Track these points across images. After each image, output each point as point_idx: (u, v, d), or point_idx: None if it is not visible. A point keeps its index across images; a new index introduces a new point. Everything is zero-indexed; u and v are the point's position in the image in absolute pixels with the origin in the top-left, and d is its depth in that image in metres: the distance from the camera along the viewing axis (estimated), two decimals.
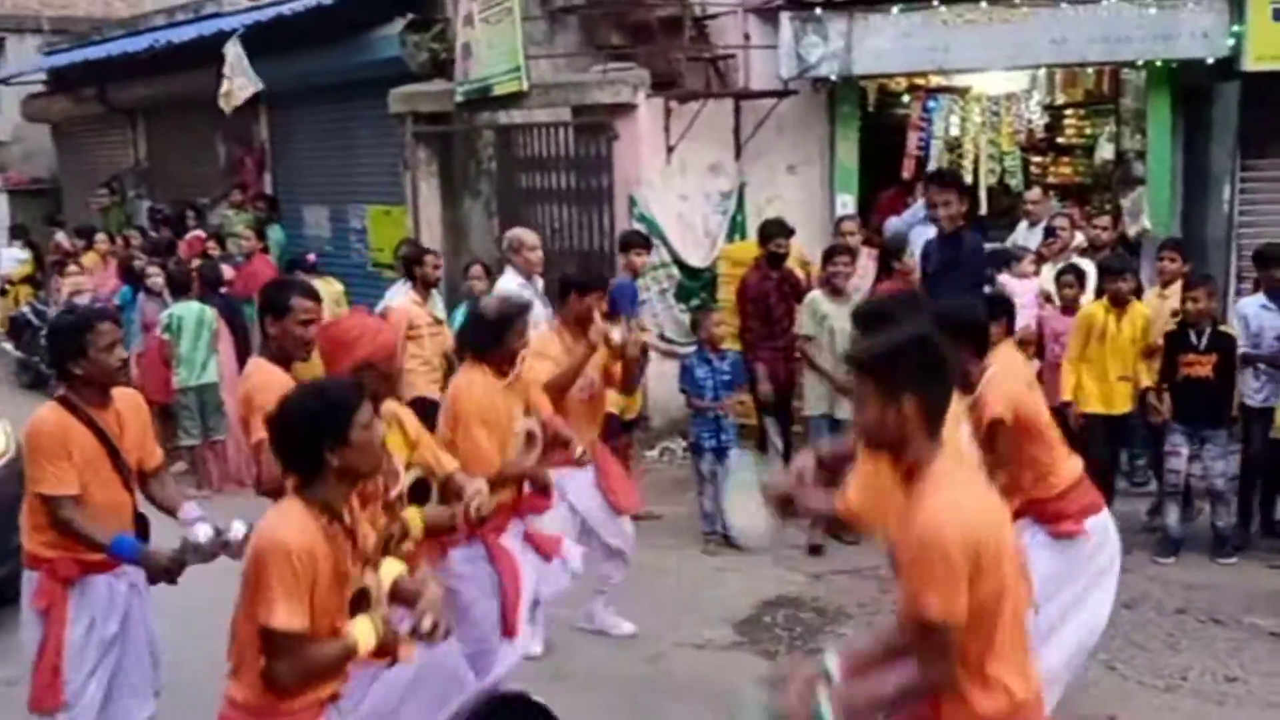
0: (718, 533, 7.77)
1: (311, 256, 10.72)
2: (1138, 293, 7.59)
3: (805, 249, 8.96)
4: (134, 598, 4.51)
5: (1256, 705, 5.40)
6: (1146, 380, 7.30)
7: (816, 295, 7.76)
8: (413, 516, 4.15)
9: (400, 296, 8.29)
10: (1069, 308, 7.76)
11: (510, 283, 7.75)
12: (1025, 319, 7.97)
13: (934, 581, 2.71)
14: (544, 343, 6.01)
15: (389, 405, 4.30)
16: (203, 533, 4.12)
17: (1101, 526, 4.66)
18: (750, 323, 8.29)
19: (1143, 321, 7.35)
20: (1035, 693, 2.93)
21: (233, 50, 11.88)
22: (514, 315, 5.11)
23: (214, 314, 9.55)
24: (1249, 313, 7.40)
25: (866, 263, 8.68)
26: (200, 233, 12.83)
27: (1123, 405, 7.36)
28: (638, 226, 9.68)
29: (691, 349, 8.00)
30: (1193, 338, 7.18)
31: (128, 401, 4.60)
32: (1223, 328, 7.27)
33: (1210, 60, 8.92)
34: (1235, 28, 8.78)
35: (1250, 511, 7.48)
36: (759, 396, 8.35)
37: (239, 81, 12.03)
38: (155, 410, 10.03)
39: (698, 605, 6.80)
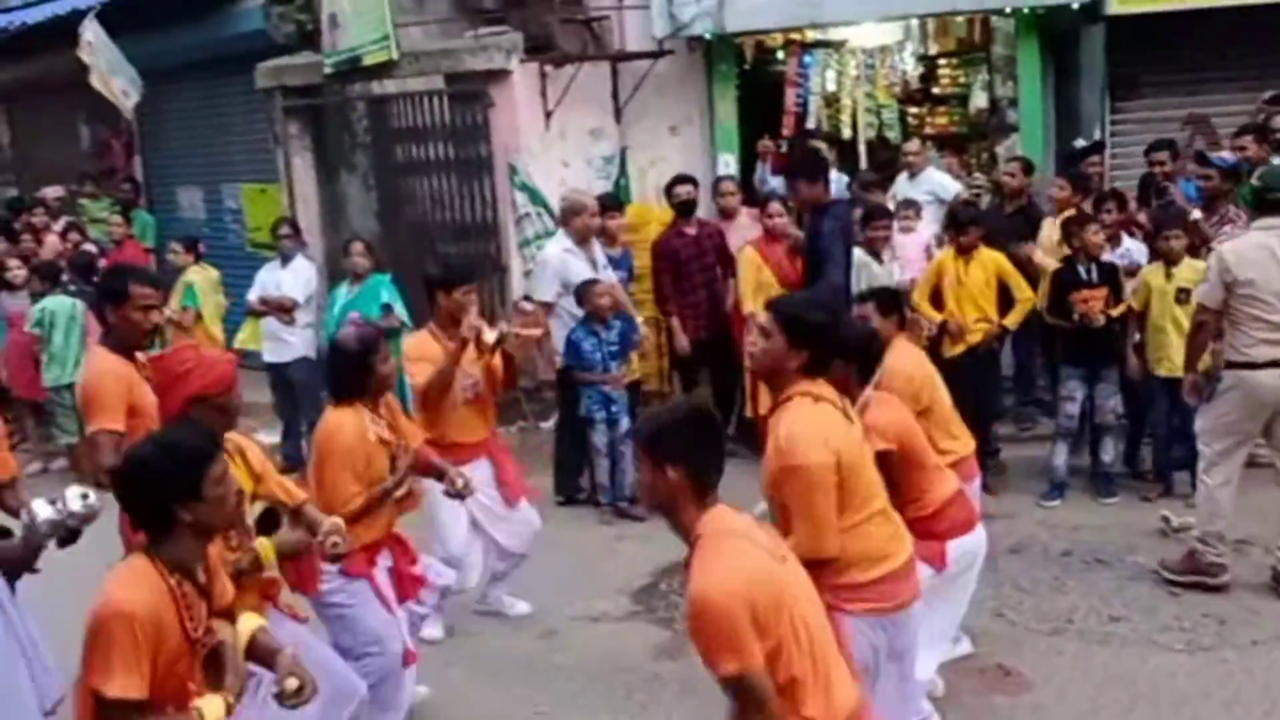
0: (612, 504, 7.74)
1: (202, 247, 10.38)
2: (988, 240, 7.68)
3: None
4: None
5: (1139, 643, 5.52)
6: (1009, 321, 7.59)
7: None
8: (263, 546, 3.97)
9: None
10: None
11: (556, 246, 7.67)
12: (913, 272, 8.05)
13: (721, 642, 2.86)
14: (421, 345, 5.89)
15: (231, 437, 4.14)
16: (40, 509, 3.86)
17: (966, 549, 4.71)
18: (663, 278, 8.39)
19: (993, 265, 7.53)
20: (840, 713, 3.05)
21: (90, 29, 11.47)
22: (376, 341, 4.90)
23: (84, 308, 9.23)
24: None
25: (748, 223, 8.68)
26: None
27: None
28: (519, 195, 9.57)
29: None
30: (1082, 272, 7.28)
31: None
32: (1106, 258, 7.38)
33: (1076, 5, 8.99)
34: None
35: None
36: (675, 351, 8.45)
37: (120, 83, 11.72)
38: (28, 407, 9.83)
39: (593, 577, 6.76)
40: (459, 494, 5.35)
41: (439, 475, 5.31)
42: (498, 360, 6.03)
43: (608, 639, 6.01)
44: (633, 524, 7.54)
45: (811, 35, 10.60)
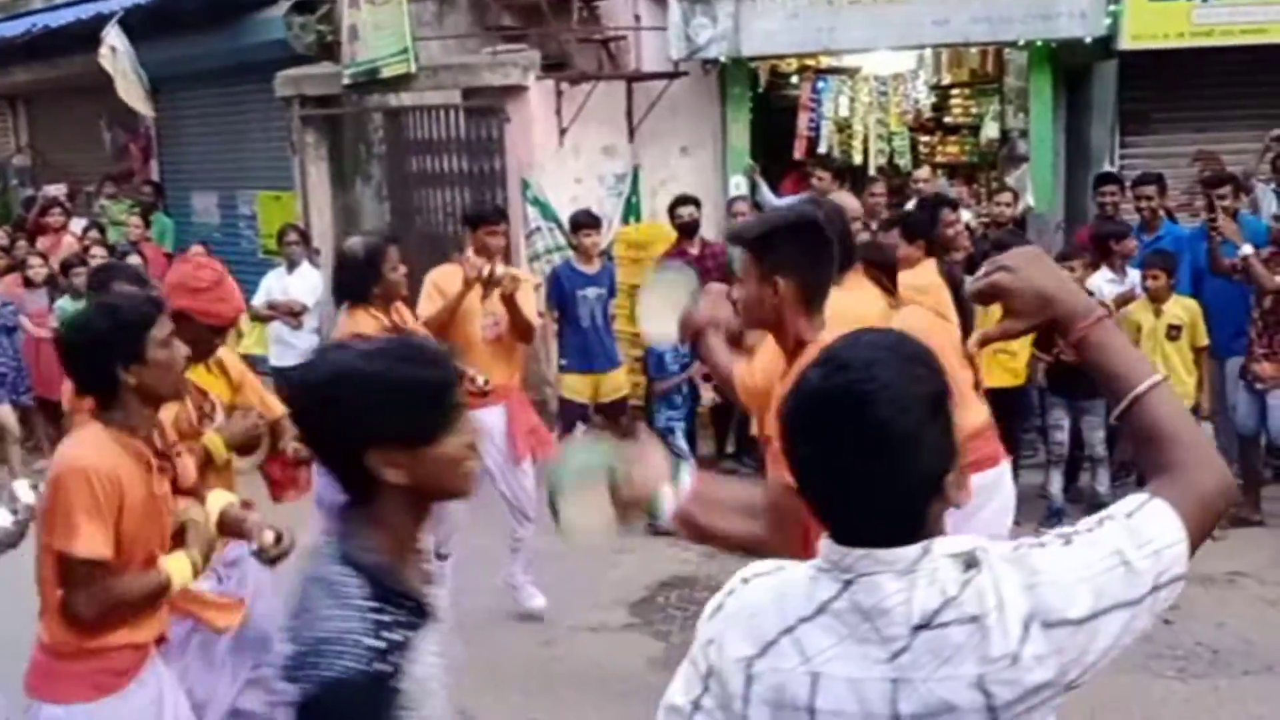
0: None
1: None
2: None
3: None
4: None
5: (1133, 669, 5.49)
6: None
7: None
8: (210, 440, 3.93)
9: None
10: None
11: None
12: None
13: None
14: (444, 277, 5.89)
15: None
16: None
17: (989, 483, 4.62)
18: None
19: None
20: None
21: (113, 34, 11.61)
22: (383, 246, 4.96)
23: None
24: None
25: None
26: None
27: (1000, 380, 7.30)
28: (531, 210, 9.66)
29: None
30: None
31: None
32: (1121, 288, 7.43)
33: (1089, 40, 9.10)
34: (1112, 7, 8.96)
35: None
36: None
37: (131, 89, 11.88)
38: (39, 404, 9.88)
39: (593, 588, 6.80)
40: (480, 392, 5.40)
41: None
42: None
43: (605, 649, 6.06)
44: (633, 537, 7.57)
45: (826, 61, 10.72)
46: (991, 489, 4.67)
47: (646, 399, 8.63)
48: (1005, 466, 4.80)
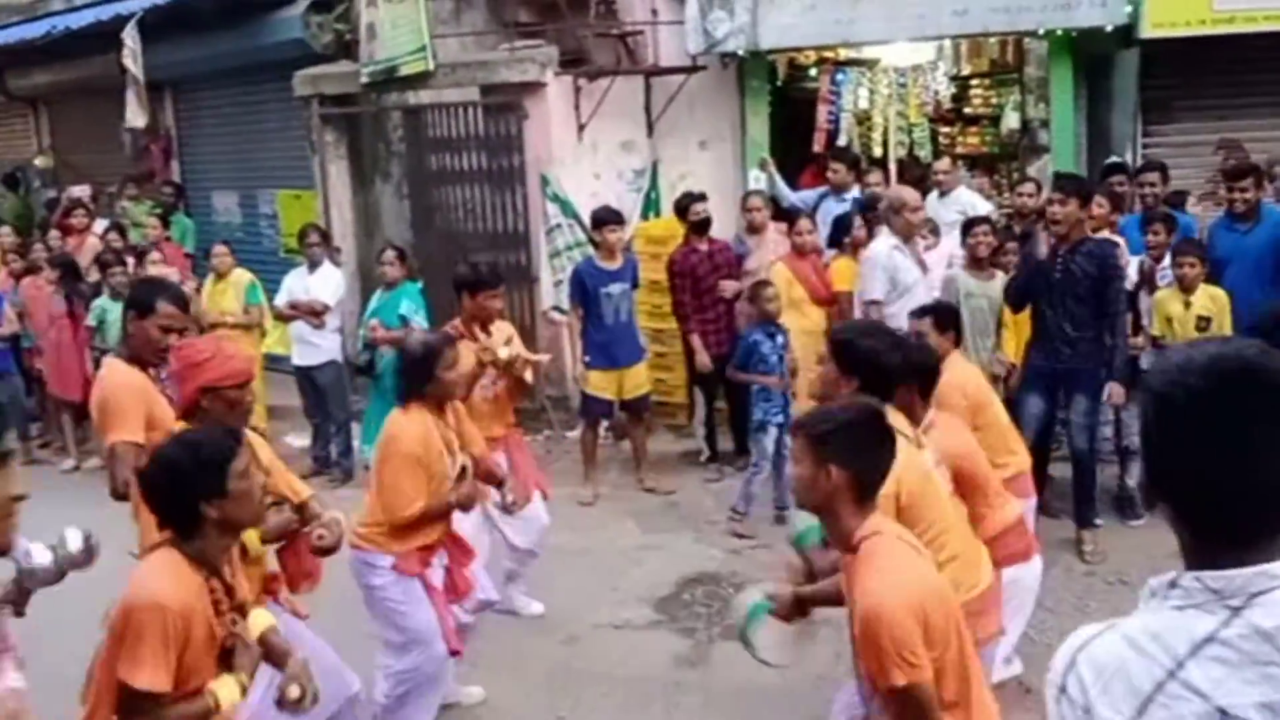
0: (742, 514, 7.45)
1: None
2: None
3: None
4: None
5: None
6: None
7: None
8: (248, 535, 3.91)
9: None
10: None
11: (884, 244, 7.24)
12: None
13: (891, 655, 2.85)
14: None
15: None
16: (38, 554, 3.68)
17: (1018, 578, 4.74)
18: (681, 296, 8.41)
19: None
20: None
21: (131, 37, 11.64)
22: (441, 346, 4.93)
23: None
24: None
25: (777, 238, 8.72)
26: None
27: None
28: (550, 206, 9.65)
29: None
30: None
31: None
32: (1128, 286, 7.37)
33: (1109, 28, 9.02)
34: None
35: None
36: (696, 368, 8.48)
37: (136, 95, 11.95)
38: (63, 406, 9.94)
39: (617, 585, 6.81)
40: (508, 509, 5.49)
41: (498, 484, 5.42)
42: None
43: (630, 647, 6.05)
44: (658, 534, 7.58)
45: (844, 54, 10.66)
46: (1026, 584, 4.86)
47: (697, 382, 8.74)
48: (1036, 561, 4.90)
